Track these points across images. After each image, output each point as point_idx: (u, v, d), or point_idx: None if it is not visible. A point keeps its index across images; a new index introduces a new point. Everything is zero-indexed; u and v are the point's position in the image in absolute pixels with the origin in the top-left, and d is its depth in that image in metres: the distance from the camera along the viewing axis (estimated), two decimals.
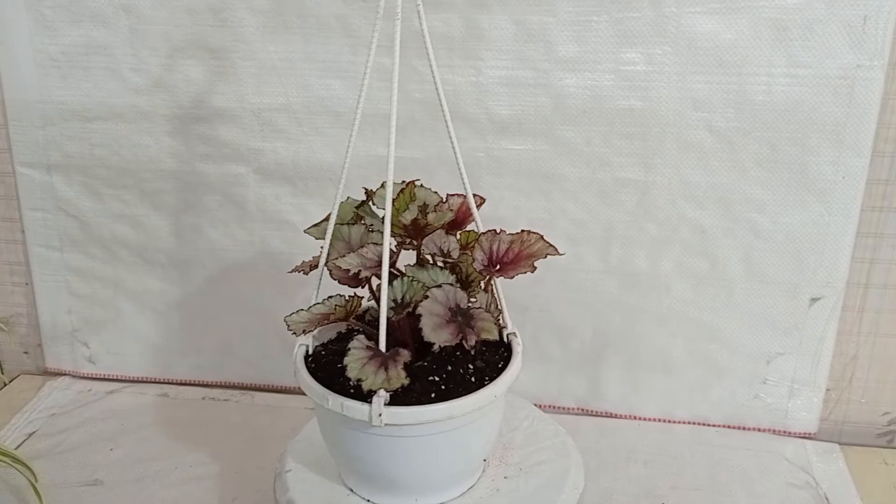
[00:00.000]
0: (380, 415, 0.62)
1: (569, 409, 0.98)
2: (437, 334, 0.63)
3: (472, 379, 0.67)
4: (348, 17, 0.86)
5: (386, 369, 0.62)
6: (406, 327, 0.67)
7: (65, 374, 1.07)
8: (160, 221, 0.98)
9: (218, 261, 0.99)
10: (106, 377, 1.06)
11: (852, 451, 0.91)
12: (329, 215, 0.71)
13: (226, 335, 1.03)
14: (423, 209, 0.70)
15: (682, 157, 0.86)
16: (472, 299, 0.70)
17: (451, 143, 0.71)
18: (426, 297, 0.65)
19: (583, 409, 0.98)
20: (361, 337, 0.65)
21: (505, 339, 0.73)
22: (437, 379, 0.67)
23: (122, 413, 0.99)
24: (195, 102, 0.92)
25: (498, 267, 0.69)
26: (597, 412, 0.98)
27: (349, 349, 0.64)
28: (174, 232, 0.99)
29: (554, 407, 0.98)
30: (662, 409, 0.96)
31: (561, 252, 0.69)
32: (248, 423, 0.97)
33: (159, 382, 1.05)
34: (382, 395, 0.62)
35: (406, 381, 0.62)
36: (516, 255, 0.69)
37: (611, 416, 0.97)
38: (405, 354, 0.64)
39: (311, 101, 0.90)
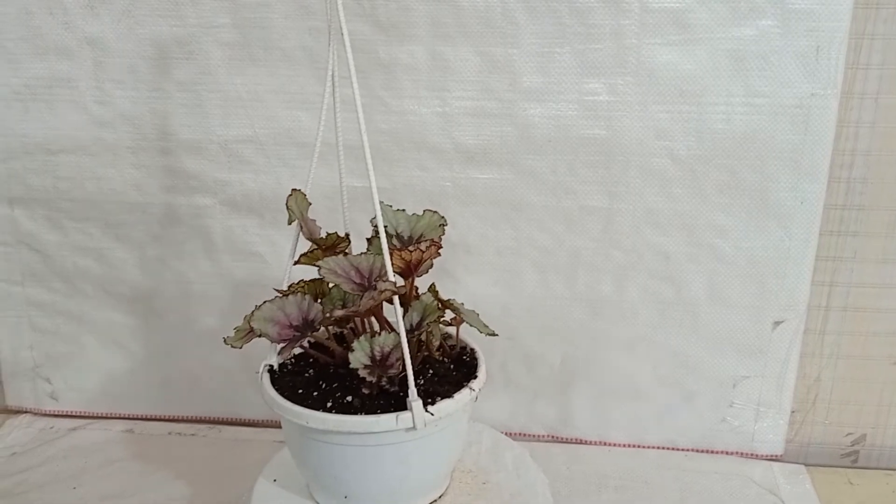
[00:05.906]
0: (258, 371, 0.73)
1: (539, 436, 0.98)
2: (263, 325, 0.69)
3: (330, 404, 0.68)
4: (314, 50, 0.86)
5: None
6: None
7: (26, 412, 1.05)
8: (125, 254, 0.97)
9: (183, 293, 0.98)
10: (69, 414, 1.04)
11: (818, 472, 0.92)
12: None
13: (192, 368, 1.01)
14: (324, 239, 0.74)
15: (645, 184, 0.87)
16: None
17: (369, 177, 0.68)
18: (285, 295, 0.70)
19: (553, 437, 0.98)
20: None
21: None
22: (323, 386, 0.71)
23: (86, 450, 0.97)
24: (161, 135, 0.92)
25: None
26: (567, 439, 0.98)
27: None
28: (139, 265, 0.98)
29: (524, 434, 0.98)
30: (632, 434, 0.97)
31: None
32: (216, 457, 0.95)
33: (124, 418, 1.03)
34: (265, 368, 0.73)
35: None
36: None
37: (581, 442, 0.98)
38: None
39: (277, 133, 0.90)
